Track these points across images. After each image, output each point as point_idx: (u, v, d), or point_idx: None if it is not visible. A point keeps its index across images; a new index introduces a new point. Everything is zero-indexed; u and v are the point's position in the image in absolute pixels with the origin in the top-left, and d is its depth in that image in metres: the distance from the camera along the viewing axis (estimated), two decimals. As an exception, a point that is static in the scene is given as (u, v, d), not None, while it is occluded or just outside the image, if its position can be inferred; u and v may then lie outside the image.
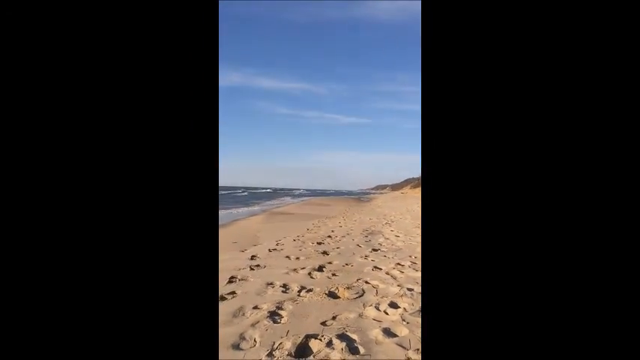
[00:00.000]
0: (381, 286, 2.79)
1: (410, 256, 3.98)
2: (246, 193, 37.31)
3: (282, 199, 28.77)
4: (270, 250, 4.40)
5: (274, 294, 2.59)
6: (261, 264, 3.59)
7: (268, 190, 65.15)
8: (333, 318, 2.11)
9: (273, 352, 1.70)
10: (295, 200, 25.74)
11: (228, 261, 3.78)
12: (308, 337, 1.85)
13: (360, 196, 41.55)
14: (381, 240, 5.35)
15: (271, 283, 2.85)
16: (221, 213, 11.98)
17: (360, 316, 2.15)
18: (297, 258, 3.91)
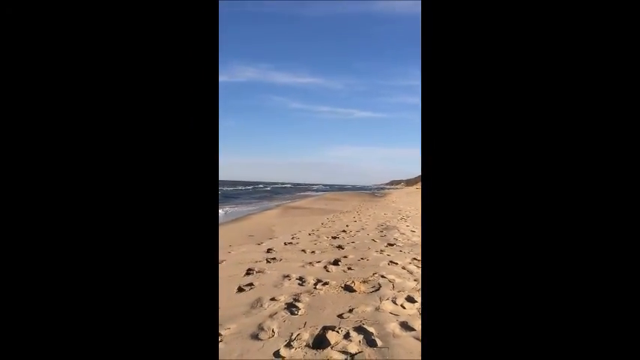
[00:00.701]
0: (398, 280, 2.78)
1: (426, 252, 3.96)
2: (269, 188, 37.57)
3: (304, 193, 29.38)
4: (285, 244, 4.43)
5: (291, 286, 2.62)
6: (278, 257, 3.63)
7: (288, 185, 65.63)
8: (350, 311, 2.12)
9: (292, 343, 1.72)
10: (318, 194, 26.20)
11: (245, 253, 3.84)
12: (325, 328, 1.87)
13: (374, 192, 41.39)
14: (396, 235, 5.33)
15: (288, 276, 2.88)
16: (256, 207, 12.11)
17: (377, 309, 2.16)
18: (313, 252, 3.93)
